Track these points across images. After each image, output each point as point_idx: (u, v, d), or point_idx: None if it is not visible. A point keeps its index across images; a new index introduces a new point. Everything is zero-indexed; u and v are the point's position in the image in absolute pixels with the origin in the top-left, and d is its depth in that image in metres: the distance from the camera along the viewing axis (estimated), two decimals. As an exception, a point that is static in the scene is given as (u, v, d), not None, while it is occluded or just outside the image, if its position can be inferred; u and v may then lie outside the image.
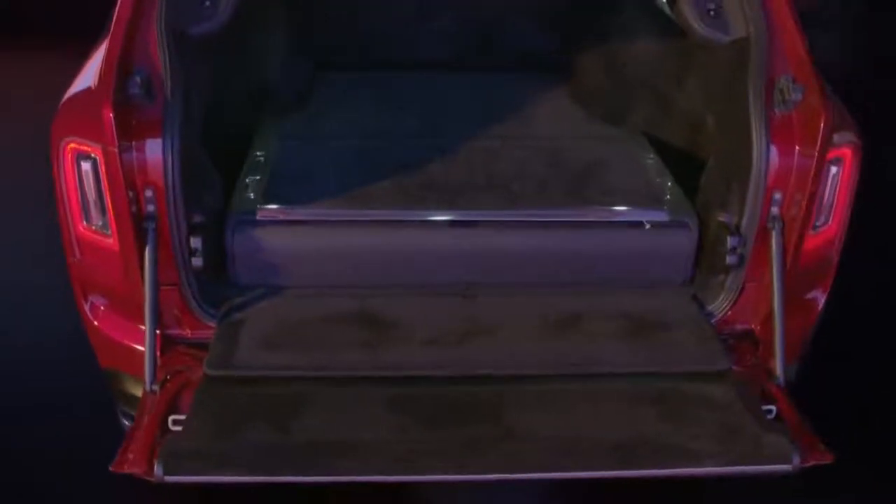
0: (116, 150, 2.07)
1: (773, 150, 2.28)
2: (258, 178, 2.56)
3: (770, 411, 2.14)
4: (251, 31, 2.90)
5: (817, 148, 2.20)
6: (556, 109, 3.12)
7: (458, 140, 2.83)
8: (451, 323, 2.27)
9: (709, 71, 2.60)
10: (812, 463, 2.00)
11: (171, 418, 2.01)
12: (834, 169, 2.33)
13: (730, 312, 2.42)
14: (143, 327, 2.25)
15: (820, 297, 2.54)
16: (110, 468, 1.90)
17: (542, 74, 3.37)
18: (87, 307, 2.38)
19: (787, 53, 2.32)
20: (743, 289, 2.41)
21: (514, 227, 2.44)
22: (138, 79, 2.11)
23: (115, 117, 2.05)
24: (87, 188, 2.19)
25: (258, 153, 2.71)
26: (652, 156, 2.79)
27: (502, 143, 2.83)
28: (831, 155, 2.30)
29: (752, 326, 2.43)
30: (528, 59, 3.47)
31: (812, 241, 2.39)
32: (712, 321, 2.40)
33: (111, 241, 2.21)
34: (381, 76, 3.32)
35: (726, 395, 2.14)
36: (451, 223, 2.42)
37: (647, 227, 2.45)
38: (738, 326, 2.44)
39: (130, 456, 1.92)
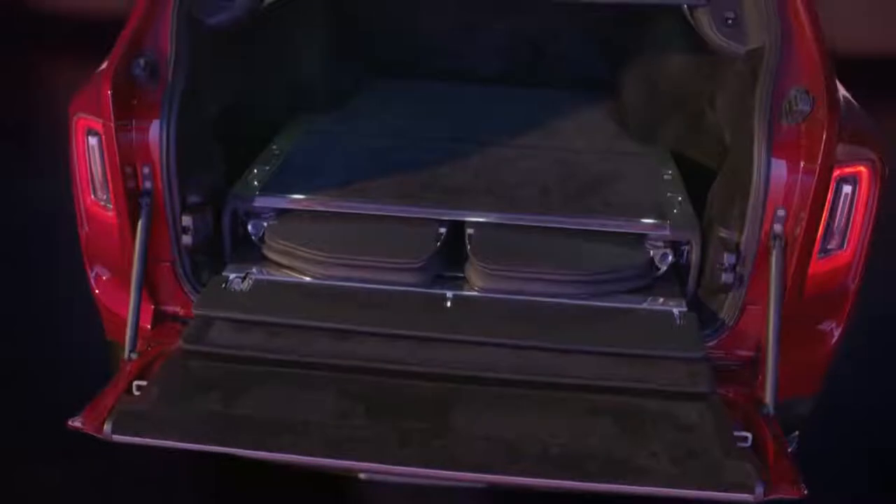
0: (112, 125, 2.19)
1: (778, 163, 2.16)
2: (267, 167, 2.63)
3: (745, 439, 1.99)
4: (291, 31, 3.01)
5: (818, 162, 2.06)
6: (587, 124, 3.06)
7: (476, 146, 2.82)
8: (427, 322, 2.22)
9: (728, 84, 2.49)
10: (778, 496, 1.85)
11: (135, 384, 2.08)
12: (847, 188, 2.17)
13: (729, 336, 2.28)
14: (144, 302, 2.37)
15: (834, 329, 2.35)
16: (67, 424, 1.98)
17: (591, 92, 3.32)
18: (92, 278, 2.51)
19: (803, 64, 2.19)
20: (743, 311, 2.27)
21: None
22: (142, 61, 2.22)
23: (113, 95, 2.17)
24: (93, 162, 2.32)
25: (275, 145, 2.79)
26: (671, 172, 2.68)
27: (520, 152, 2.80)
28: (843, 172, 2.15)
29: (753, 353, 2.28)
30: (579, 76, 3.43)
31: (821, 266, 2.22)
32: (710, 343, 2.27)
33: (111, 215, 2.33)
34: (427, 85, 3.37)
35: (698, 417, 2.01)
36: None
37: (678, 315, 2.26)
38: (739, 352, 2.30)
39: (89, 414, 2.00)
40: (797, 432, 2.46)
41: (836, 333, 2.35)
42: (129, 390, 2.09)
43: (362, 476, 2.00)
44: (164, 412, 1.97)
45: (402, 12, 3.39)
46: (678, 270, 2.43)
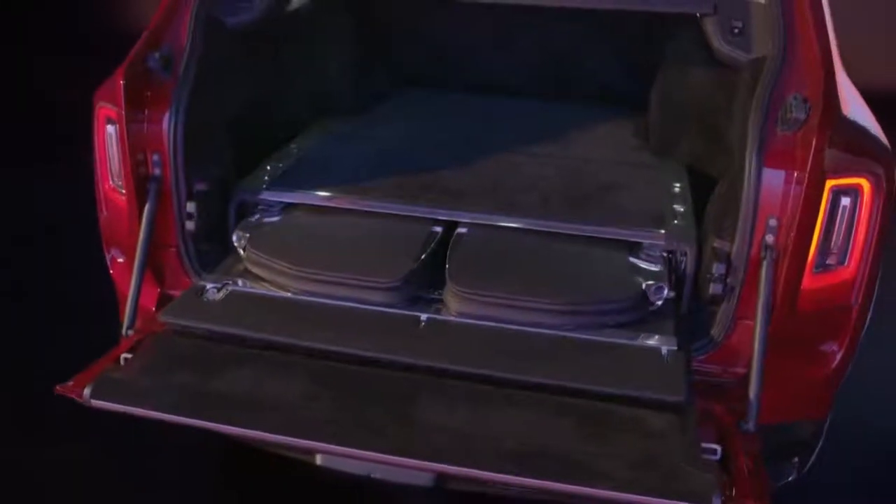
0: (123, 112, 2.32)
1: (772, 172, 2.10)
2: (280, 164, 2.73)
3: (714, 451, 1.91)
4: (319, 39, 3.12)
5: (807, 170, 1.99)
6: (607, 137, 3.05)
7: (488, 153, 2.84)
8: (393, 345, 2.11)
9: (739, 95, 2.44)
10: None
11: (122, 356, 2.17)
12: (845, 200, 2.08)
13: (721, 351, 2.21)
14: (150, 285, 2.49)
15: (836, 351, 2.24)
16: (55, 389, 2.08)
17: (619, 107, 3.31)
18: (109, 261, 2.64)
19: (805, 72, 2.14)
20: (736, 326, 2.19)
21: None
22: (158, 54, 2.35)
23: (126, 85, 2.30)
24: (110, 149, 2.46)
25: (293, 145, 2.88)
26: (681, 185, 2.63)
27: (531, 160, 2.81)
28: (840, 184, 2.06)
29: (746, 370, 2.19)
30: (608, 91, 3.42)
31: (818, 281, 2.13)
32: (701, 357, 2.21)
33: (125, 199, 2.46)
34: (453, 96, 3.42)
35: (666, 426, 1.94)
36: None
37: (666, 354, 2.09)
38: (733, 368, 2.22)
39: (77, 381, 2.10)
40: (796, 458, 2.35)
41: (839, 356, 2.24)
42: (117, 362, 2.18)
43: (319, 461, 2.02)
44: (141, 383, 2.05)
45: (431, 25, 3.46)
46: (676, 305, 2.30)
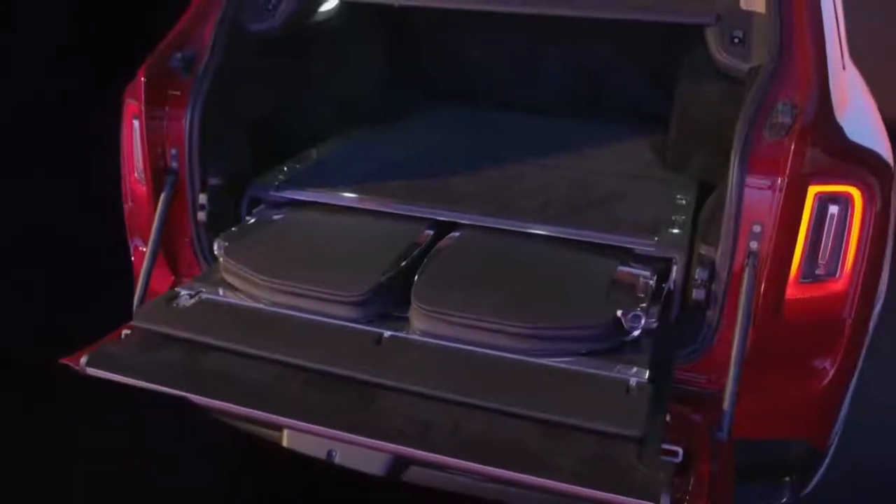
0: (142, 107, 2.47)
1: (757, 178, 2.07)
2: (297, 165, 2.84)
3: (675, 454, 1.87)
4: (348, 50, 3.24)
5: (786, 175, 1.95)
6: (622, 152, 3.04)
7: (497, 163, 2.88)
8: (348, 360, 2.05)
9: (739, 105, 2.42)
10: None
11: (123, 332, 2.30)
12: (833, 209, 2.02)
13: (707, 360, 2.17)
14: (166, 272, 2.63)
15: (828, 367, 2.16)
16: (58, 360, 2.22)
17: (645, 124, 3.29)
18: (131, 250, 2.79)
19: (797, 79, 2.11)
20: (721, 334, 2.15)
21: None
22: (179, 55, 2.51)
23: (147, 82, 2.46)
24: (135, 142, 2.62)
25: (314, 149, 3.00)
26: (686, 197, 2.60)
27: (538, 170, 2.83)
28: (827, 191, 2.02)
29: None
30: (636, 109, 3.42)
31: (805, 291, 2.08)
32: (685, 365, 2.18)
33: (145, 190, 2.61)
34: (481, 112, 3.48)
35: None
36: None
37: (634, 386, 1.95)
38: (714, 376, 2.18)
39: (80, 353, 2.23)
40: (788, 479, 2.27)
41: (831, 373, 2.16)
42: (120, 338, 2.31)
43: (285, 441, 2.08)
44: (133, 356, 2.16)
45: (461, 40, 3.53)
46: (661, 325, 2.18)
